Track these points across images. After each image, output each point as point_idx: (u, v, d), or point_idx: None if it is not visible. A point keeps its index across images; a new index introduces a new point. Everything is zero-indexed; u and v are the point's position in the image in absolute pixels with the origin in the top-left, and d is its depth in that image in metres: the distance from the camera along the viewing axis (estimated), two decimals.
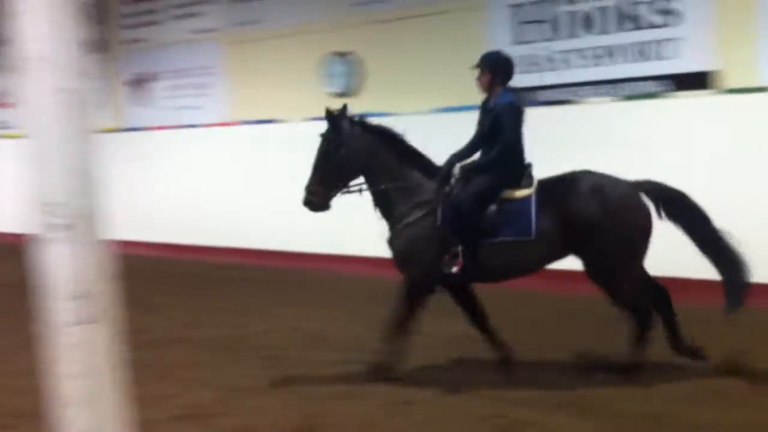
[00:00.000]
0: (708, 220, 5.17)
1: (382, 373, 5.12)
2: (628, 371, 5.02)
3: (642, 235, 5.11)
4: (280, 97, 9.59)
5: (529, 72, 7.87)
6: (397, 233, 5.28)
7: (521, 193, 5.15)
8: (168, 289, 8.70)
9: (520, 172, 5.22)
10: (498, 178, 5.17)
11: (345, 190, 5.35)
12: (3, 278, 9.12)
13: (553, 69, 7.90)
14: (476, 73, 5.30)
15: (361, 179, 5.39)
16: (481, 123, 5.34)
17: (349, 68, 8.84)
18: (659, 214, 5.17)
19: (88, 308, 1.95)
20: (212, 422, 4.52)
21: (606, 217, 5.00)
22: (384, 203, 5.35)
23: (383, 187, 5.31)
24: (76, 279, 1.93)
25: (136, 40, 11.07)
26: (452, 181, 5.24)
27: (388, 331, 5.19)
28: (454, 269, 5.09)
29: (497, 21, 8.07)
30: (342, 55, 8.83)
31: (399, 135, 5.42)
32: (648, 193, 5.17)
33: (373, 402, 4.76)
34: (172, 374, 5.45)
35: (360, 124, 5.37)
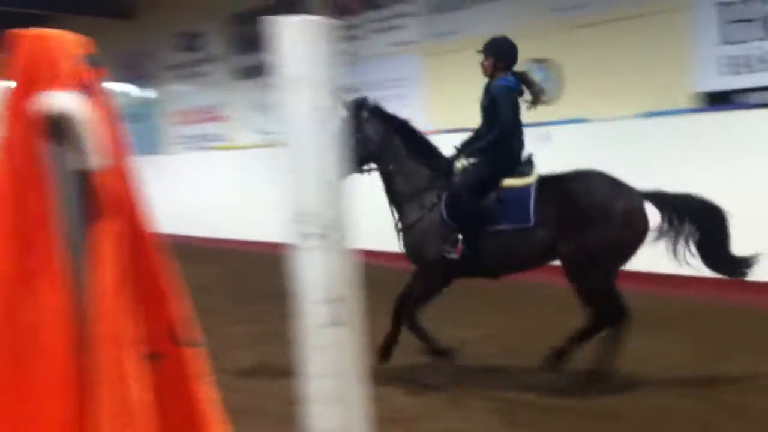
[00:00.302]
0: (722, 238, 5.09)
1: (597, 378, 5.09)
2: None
3: (630, 241, 5.10)
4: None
5: (738, 74, 7.47)
6: (407, 225, 5.52)
7: (521, 181, 5.25)
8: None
9: (518, 157, 5.34)
10: (495, 165, 5.31)
11: (357, 171, 5.56)
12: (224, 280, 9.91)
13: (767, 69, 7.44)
14: (480, 58, 5.44)
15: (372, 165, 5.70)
16: (481, 106, 5.47)
17: (547, 75, 8.75)
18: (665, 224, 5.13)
19: (338, 312, 2.07)
20: (418, 426, 4.63)
21: (600, 213, 5.04)
22: (390, 189, 5.65)
23: (390, 169, 5.59)
24: (328, 285, 2.05)
25: (342, 54, 11.53)
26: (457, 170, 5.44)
27: (407, 320, 5.50)
28: (454, 255, 5.25)
29: (703, 21, 7.71)
30: (540, 62, 8.76)
31: (411, 125, 5.70)
32: (655, 202, 5.13)
33: (572, 413, 4.70)
34: (376, 377, 5.63)
35: (377, 113, 5.65)
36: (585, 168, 5.33)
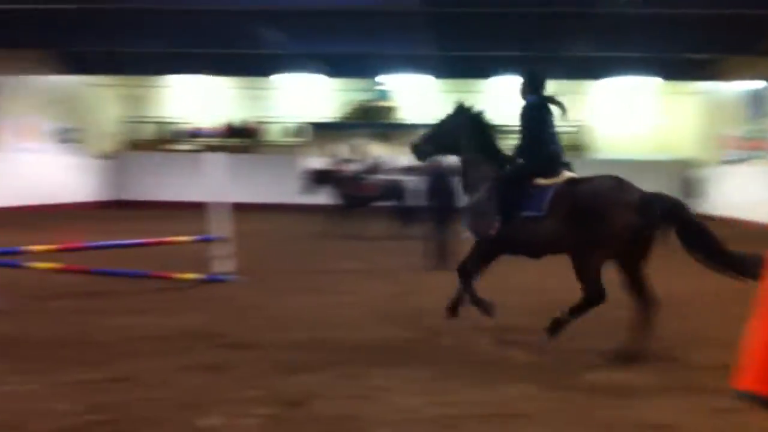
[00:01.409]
0: (711, 241, 6.01)
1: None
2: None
3: (623, 236, 6.20)
4: None
5: None
6: (467, 207, 7.26)
7: (548, 181, 6.64)
8: None
9: (546, 162, 6.76)
10: (525, 166, 6.85)
11: (440, 153, 8.14)
12: None
13: None
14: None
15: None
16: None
17: None
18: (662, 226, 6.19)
19: None
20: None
21: (596, 211, 6.22)
22: (464, 176, 7.39)
23: (462, 158, 7.38)
24: None
25: None
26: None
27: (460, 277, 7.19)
28: (492, 232, 6.81)
29: None
30: None
31: (489, 127, 7.33)
32: (654, 204, 6.17)
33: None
34: None
35: (468, 114, 7.37)
36: (606, 174, 6.60)
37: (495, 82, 27.28)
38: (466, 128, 7.28)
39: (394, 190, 18.08)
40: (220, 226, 10.49)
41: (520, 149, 6.93)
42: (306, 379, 5.81)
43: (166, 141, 33.69)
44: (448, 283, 7.98)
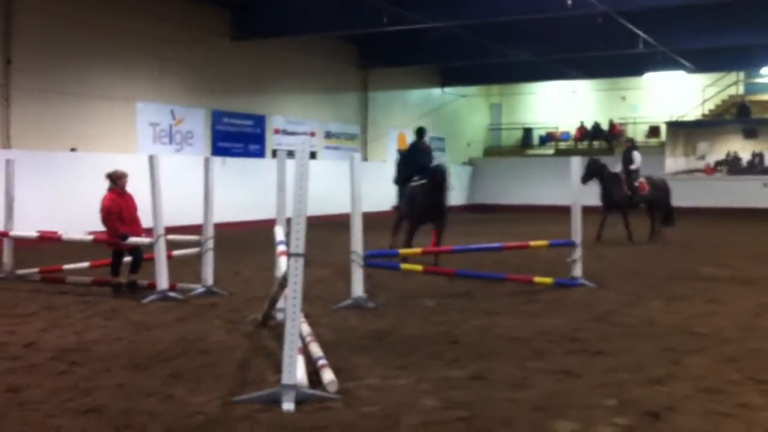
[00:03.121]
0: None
1: None
2: None
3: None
4: None
5: None
6: None
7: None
8: None
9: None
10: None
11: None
12: None
13: None
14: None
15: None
16: None
17: None
18: None
19: None
20: None
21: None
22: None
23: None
24: None
25: None
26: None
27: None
28: None
29: None
30: None
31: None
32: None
33: None
34: None
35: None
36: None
37: None
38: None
39: (661, 190, 17.72)
40: (576, 231, 10.46)
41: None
42: (663, 390, 5.60)
43: (526, 146, 34.41)
44: None
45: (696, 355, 6.68)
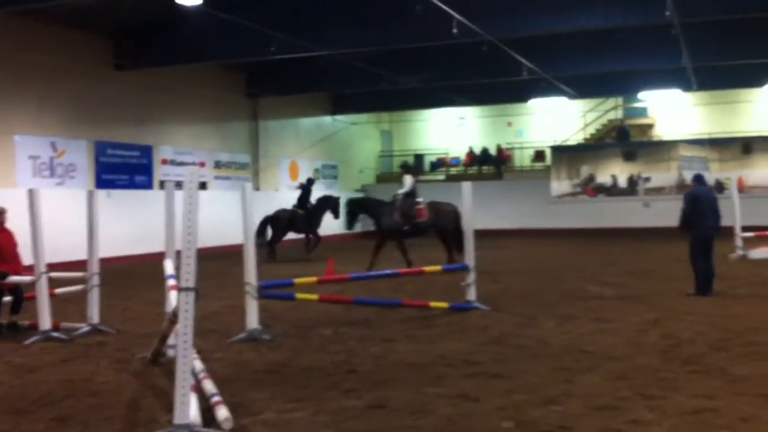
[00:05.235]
0: None
1: None
2: None
3: None
4: None
5: None
6: None
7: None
8: None
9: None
10: None
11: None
12: None
13: None
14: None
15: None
16: None
17: None
18: None
19: None
20: None
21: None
22: None
23: None
24: None
25: None
26: None
27: None
28: None
29: None
30: None
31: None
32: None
33: None
34: None
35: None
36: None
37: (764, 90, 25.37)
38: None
39: (446, 215, 16.42)
40: (469, 255, 10.61)
41: None
42: (558, 410, 5.68)
43: (417, 172, 34.83)
44: None
45: (588, 373, 6.83)
